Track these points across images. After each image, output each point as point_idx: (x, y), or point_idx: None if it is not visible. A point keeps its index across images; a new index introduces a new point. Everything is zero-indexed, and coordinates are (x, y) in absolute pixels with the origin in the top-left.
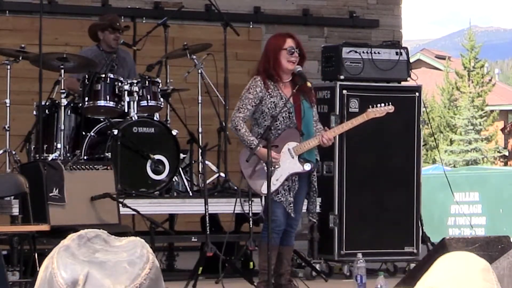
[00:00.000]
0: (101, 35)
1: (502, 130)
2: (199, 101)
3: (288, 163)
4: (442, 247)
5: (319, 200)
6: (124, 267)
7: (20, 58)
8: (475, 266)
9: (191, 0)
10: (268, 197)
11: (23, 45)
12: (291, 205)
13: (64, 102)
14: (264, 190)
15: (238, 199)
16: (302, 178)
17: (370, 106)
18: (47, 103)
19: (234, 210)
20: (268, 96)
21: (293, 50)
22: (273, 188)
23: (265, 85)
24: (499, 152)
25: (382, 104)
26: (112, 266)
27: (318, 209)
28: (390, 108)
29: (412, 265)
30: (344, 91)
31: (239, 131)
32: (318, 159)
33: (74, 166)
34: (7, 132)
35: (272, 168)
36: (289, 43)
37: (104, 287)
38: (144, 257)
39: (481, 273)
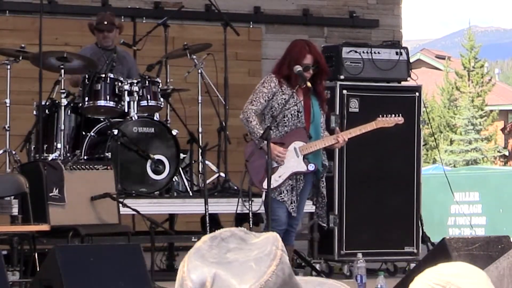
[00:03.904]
0: (95, 33)
1: (502, 130)
2: (199, 101)
3: (293, 161)
4: (442, 247)
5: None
6: (251, 265)
7: (20, 58)
8: (486, 277)
9: (191, 0)
10: (268, 195)
11: (23, 45)
12: (293, 204)
13: (64, 102)
14: (264, 185)
15: (240, 199)
16: (307, 178)
17: (380, 115)
18: (47, 103)
19: (236, 210)
20: (281, 93)
21: (308, 68)
22: (274, 184)
23: (279, 82)
24: (499, 152)
25: (392, 115)
26: (238, 266)
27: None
28: (400, 120)
29: (412, 265)
30: (344, 91)
31: (250, 123)
32: (326, 164)
33: (74, 166)
34: (7, 132)
35: (276, 165)
36: (308, 60)
37: (230, 287)
38: (272, 254)
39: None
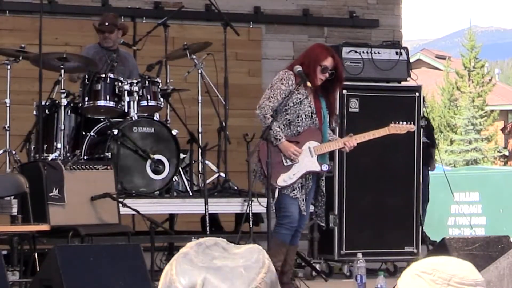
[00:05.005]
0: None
1: (502, 130)
2: (199, 101)
3: (307, 161)
4: (442, 247)
5: None
6: (240, 272)
7: (20, 58)
8: None
9: (191, 0)
10: (268, 194)
11: (23, 45)
12: (303, 202)
13: (64, 102)
14: (279, 182)
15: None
16: (313, 178)
17: (393, 122)
18: (47, 103)
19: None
20: (296, 92)
21: (326, 70)
22: (288, 182)
23: (296, 80)
24: (499, 152)
25: (405, 122)
26: (228, 271)
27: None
28: (412, 127)
29: None
30: (344, 91)
31: (267, 120)
32: (328, 164)
33: (74, 166)
34: (7, 132)
35: (291, 163)
36: (328, 62)
37: None
38: (260, 262)
39: None
